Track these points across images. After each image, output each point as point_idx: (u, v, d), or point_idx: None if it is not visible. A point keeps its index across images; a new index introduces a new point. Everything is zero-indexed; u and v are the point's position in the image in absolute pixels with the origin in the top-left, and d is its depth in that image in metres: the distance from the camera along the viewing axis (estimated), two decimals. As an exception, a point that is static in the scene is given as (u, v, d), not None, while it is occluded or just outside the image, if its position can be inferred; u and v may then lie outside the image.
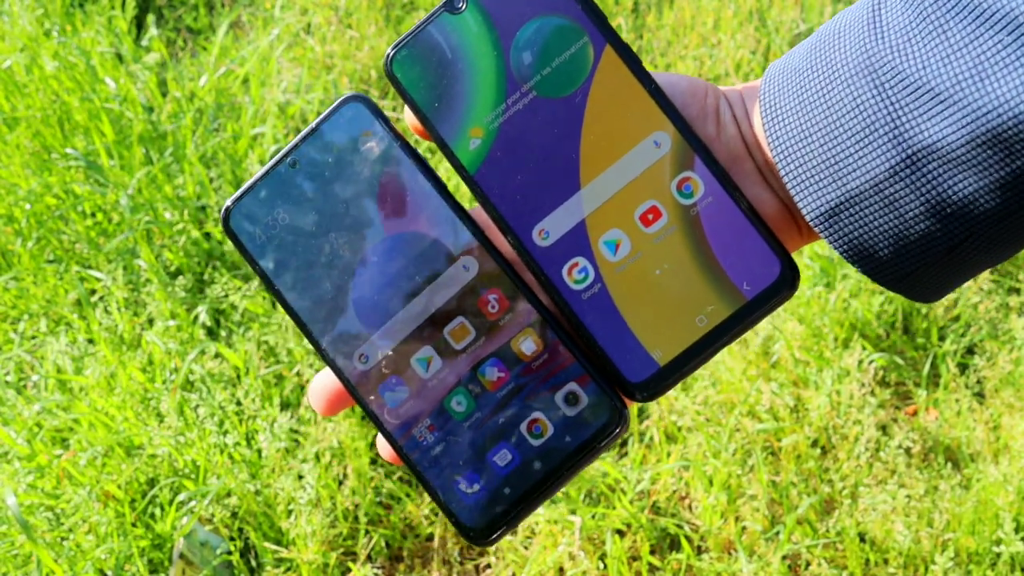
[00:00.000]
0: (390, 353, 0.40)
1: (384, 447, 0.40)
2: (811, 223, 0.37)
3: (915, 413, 1.29)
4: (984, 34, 0.32)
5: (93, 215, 1.53)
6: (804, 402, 1.27)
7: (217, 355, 1.35)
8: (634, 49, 1.74)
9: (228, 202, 0.42)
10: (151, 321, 1.41)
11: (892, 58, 0.34)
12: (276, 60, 1.70)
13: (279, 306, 0.41)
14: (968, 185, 0.33)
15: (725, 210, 0.38)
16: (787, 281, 0.38)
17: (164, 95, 1.68)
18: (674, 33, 1.71)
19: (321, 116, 0.42)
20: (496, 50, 0.39)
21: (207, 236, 1.50)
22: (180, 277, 1.44)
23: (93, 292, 1.45)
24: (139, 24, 1.84)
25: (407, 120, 0.41)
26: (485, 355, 0.40)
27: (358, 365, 0.40)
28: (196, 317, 1.39)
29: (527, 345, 0.40)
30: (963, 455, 1.23)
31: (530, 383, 0.40)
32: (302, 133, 0.42)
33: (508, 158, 0.39)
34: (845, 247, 0.37)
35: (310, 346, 0.41)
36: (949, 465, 1.22)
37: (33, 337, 1.43)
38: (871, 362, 1.29)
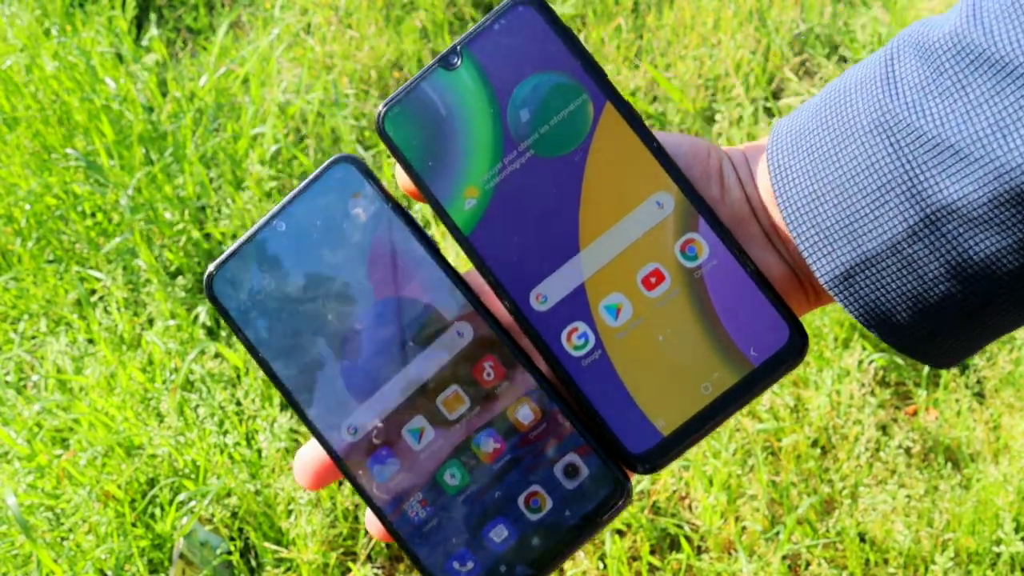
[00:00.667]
0: (380, 424, 0.38)
1: (373, 523, 0.39)
2: (826, 286, 0.36)
3: (915, 413, 1.29)
4: (1005, 88, 0.31)
5: (93, 215, 1.53)
6: (804, 402, 1.27)
7: (217, 355, 1.35)
8: (634, 50, 1.73)
9: (211, 267, 0.40)
10: (151, 321, 1.41)
11: (908, 115, 0.33)
12: (276, 60, 1.70)
13: (267, 379, 0.39)
14: (991, 245, 0.32)
15: (731, 273, 0.37)
16: (796, 347, 0.37)
17: (164, 95, 1.68)
18: (674, 33, 1.71)
19: (310, 177, 0.40)
20: (493, 107, 0.38)
21: (207, 236, 1.50)
22: (180, 277, 1.44)
23: (93, 292, 1.45)
24: (139, 24, 1.84)
25: (399, 180, 0.40)
26: (480, 425, 0.38)
27: (347, 437, 0.39)
28: (196, 317, 1.39)
29: (524, 414, 0.38)
30: (963, 455, 1.23)
31: (527, 455, 0.38)
32: (290, 194, 0.40)
33: (505, 219, 0.38)
34: (861, 311, 0.36)
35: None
36: (949, 465, 1.22)
37: (33, 337, 1.43)
38: (871, 362, 1.29)
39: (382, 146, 1.61)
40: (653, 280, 0.38)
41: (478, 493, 0.38)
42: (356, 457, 0.38)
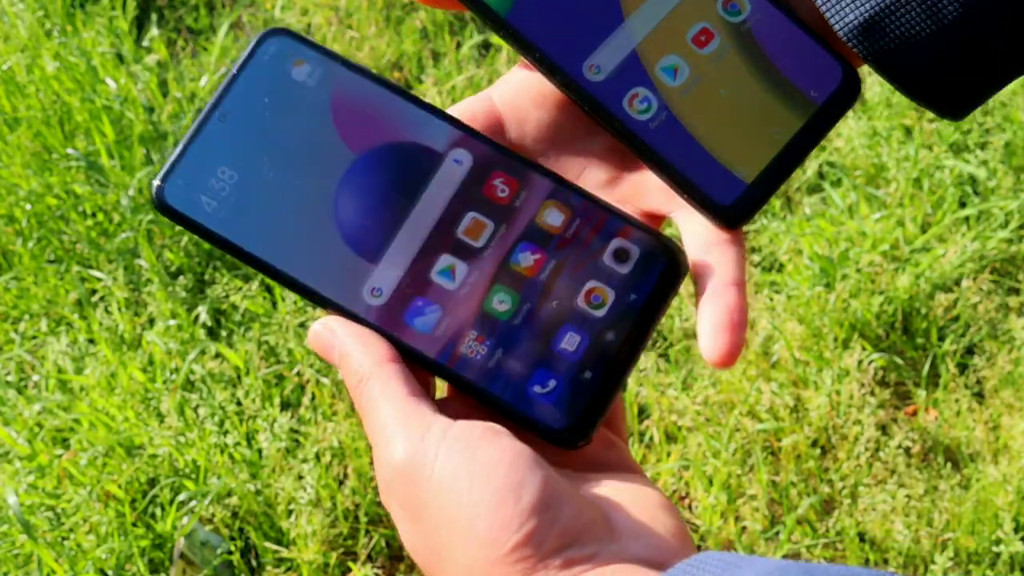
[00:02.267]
0: (405, 276, 0.35)
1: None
2: (844, 38, 0.36)
3: (915, 413, 1.29)
4: None
5: (94, 215, 1.53)
6: (804, 402, 1.27)
7: (217, 355, 1.35)
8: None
9: (156, 180, 0.36)
10: (152, 321, 1.41)
11: None
12: (276, 60, 1.70)
13: (259, 273, 0.35)
14: None
15: (776, 23, 0.38)
16: (852, 84, 0.37)
17: (165, 95, 1.68)
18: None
19: (240, 59, 0.37)
20: None
21: (207, 236, 1.50)
22: (181, 277, 1.44)
23: (94, 292, 1.46)
24: (140, 25, 1.84)
25: None
26: (512, 242, 0.36)
27: (372, 301, 0.35)
28: (197, 317, 1.39)
29: (553, 217, 0.36)
30: (963, 455, 1.24)
31: (571, 254, 0.36)
32: (223, 83, 0.37)
33: None
34: (877, 60, 0.36)
35: (318, 308, 0.35)
36: (949, 465, 1.22)
37: (34, 337, 1.43)
38: (871, 362, 1.29)
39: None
40: (703, 39, 0.38)
41: (534, 309, 0.35)
42: (391, 318, 0.35)
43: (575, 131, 0.39)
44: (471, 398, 0.36)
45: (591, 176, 0.39)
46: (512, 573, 0.30)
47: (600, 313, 0.35)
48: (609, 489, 0.34)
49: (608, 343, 0.35)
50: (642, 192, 0.39)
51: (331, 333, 0.36)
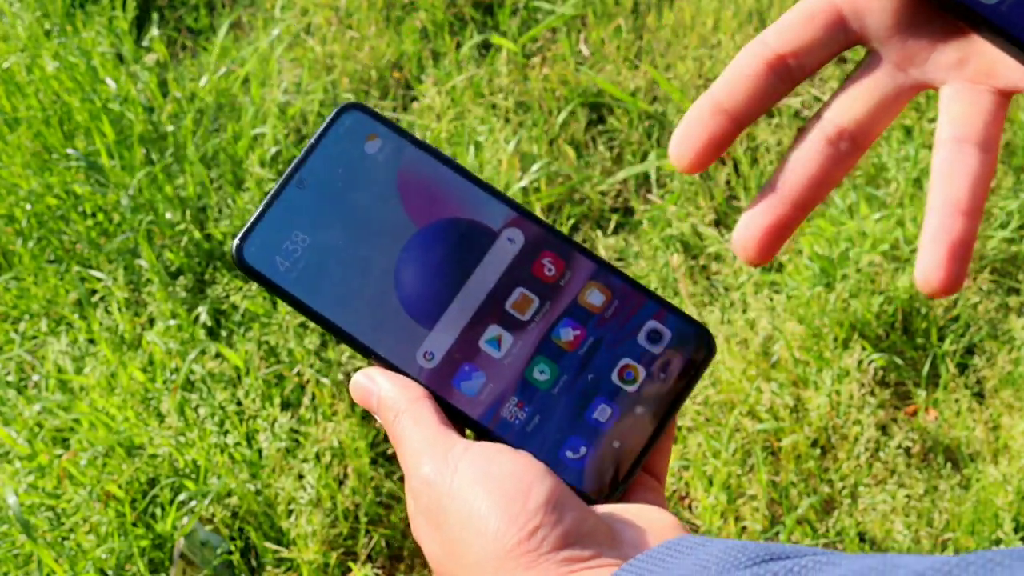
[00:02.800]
0: (456, 343, 0.39)
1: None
2: None
3: (915, 413, 1.29)
4: None
5: (94, 215, 1.53)
6: (804, 402, 1.27)
7: (218, 355, 1.35)
8: (634, 50, 1.73)
9: (236, 240, 0.40)
10: (152, 321, 1.41)
11: None
12: (276, 61, 1.70)
13: (327, 333, 0.38)
14: None
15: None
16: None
17: (165, 95, 1.68)
18: (674, 34, 1.71)
19: (319, 131, 0.41)
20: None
21: (208, 237, 1.50)
22: (181, 277, 1.44)
23: (94, 292, 1.46)
24: (140, 25, 1.84)
25: None
26: (556, 318, 0.39)
27: (425, 364, 0.39)
28: (197, 317, 1.39)
29: (595, 297, 0.39)
30: (963, 455, 1.24)
31: (609, 333, 0.39)
32: (303, 151, 0.40)
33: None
34: None
35: (365, 361, 0.40)
36: (949, 465, 1.22)
37: (34, 337, 1.43)
38: (871, 362, 1.29)
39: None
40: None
41: (571, 381, 0.39)
42: (440, 381, 0.39)
43: (916, 16, 0.38)
44: None
45: (940, 59, 0.37)
46: (516, 567, 0.33)
47: (631, 388, 0.39)
48: (622, 510, 0.37)
49: (637, 416, 0.39)
50: (992, 71, 0.37)
51: (371, 381, 0.39)
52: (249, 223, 0.40)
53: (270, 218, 0.40)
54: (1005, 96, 0.38)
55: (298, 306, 0.40)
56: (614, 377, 0.39)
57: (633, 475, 0.38)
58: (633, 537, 0.35)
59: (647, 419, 0.38)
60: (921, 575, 0.25)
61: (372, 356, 0.39)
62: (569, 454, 0.38)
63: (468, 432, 0.40)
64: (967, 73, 0.38)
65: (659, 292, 1.40)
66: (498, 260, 0.39)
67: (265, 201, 0.40)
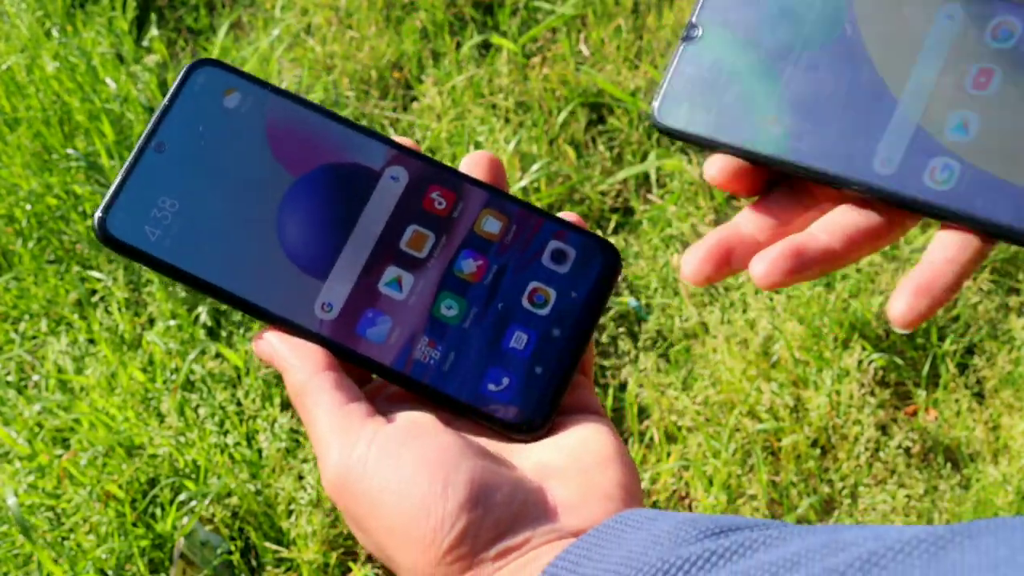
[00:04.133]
0: (354, 290, 0.37)
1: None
2: None
3: (915, 413, 1.29)
4: None
5: (94, 215, 1.53)
6: (804, 402, 1.27)
7: (218, 355, 1.35)
8: (634, 50, 1.73)
9: (98, 212, 0.38)
10: (152, 321, 1.41)
11: None
12: (276, 61, 1.70)
13: (217, 300, 0.36)
14: None
15: None
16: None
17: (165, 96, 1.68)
18: (674, 34, 1.71)
19: (170, 91, 0.39)
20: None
21: (207, 236, 1.50)
22: (181, 277, 1.44)
23: (94, 292, 1.46)
24: (140, 25, 1.84)
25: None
26: (454, 251, 0.38)
27: (325, 316, 0.37)
28: (197, 317, 1.39)
29: (491, 225, 0.38)
30: (963, 455, 1.24)
31: (512, 258, 0.38)
32: (155, 115, 0.38)
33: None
34: None
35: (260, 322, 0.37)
36: (949, 465, 1.22)
37: (34, 337, 1.43)
38: (871, 362, 1.29)
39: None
40: (983, 80, 0.36)
41: (481, 313, 0.37)
42: (344, 332, 0.37)
43: None
44: (427, 400, 0.37)
45: None
46: (451, 573, 0.31)
47: (544, 311, 0.38)
48: (551, 451, 0.35)
49: (555, 338, 0.37)
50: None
51: (270, 347, 0.37)
52: (108, 195, 0.38)
53: (131, 187, 0.38)
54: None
55: (178, 275, 0.37)
56: (524, 302, 0.38)
57: (561, 398, 0.37)
58: (565, 497, 0.33)
59: (565, 340, 0.37)
60: (867, 560, 0.25)
61: (266, 316, 0.37)
62: (492, 387, 0.36)
63: (377, 379, 0.38)
64: None
65: (659, 292, 1.40)
66: (385, 200, 0.38)
67: (123, 171, 0.38)
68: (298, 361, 0.36)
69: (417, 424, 0.34)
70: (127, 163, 0.38)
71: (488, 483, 0.32)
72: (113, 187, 0.38)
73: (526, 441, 0.36)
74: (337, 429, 0.34)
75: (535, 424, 0.36)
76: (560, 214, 0.40)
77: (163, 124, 0.38)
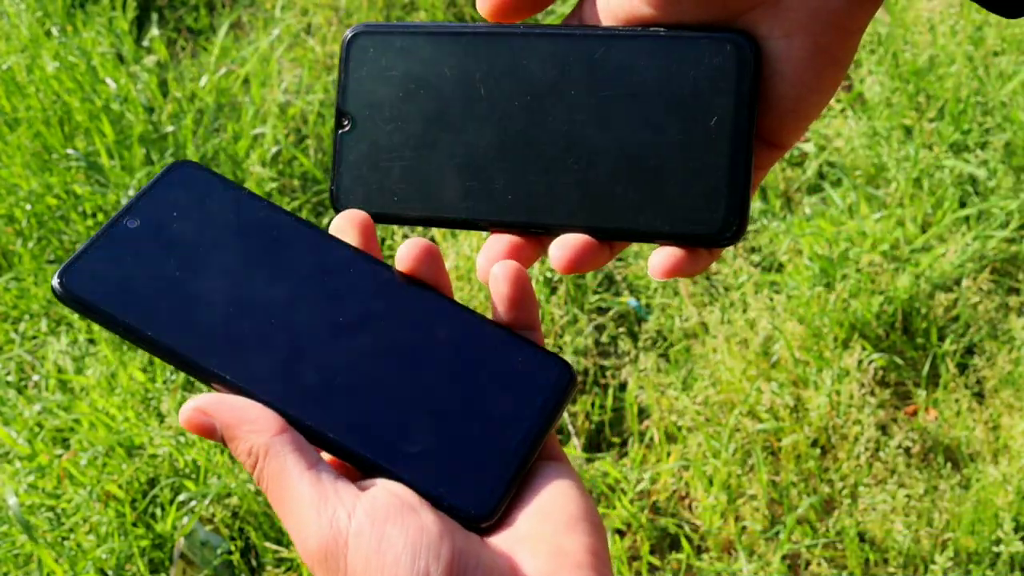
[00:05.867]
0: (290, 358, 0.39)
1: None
2: None
3: (915, 413, 1.29)
4: None
5: (94, 215, 1.53)
6: (804, 402, 1.27)
7: (218, 355, 1.35)
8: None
9: (60, 270, 0.39)
10: (152, 321, 1.41)
11: None
12: (276, 61, 1.70)
13: (160, 357, 0.38)
14: None
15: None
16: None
17: (165, 95, 1.68)
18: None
19: (150, 181, 0.42)
20: None
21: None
22: (181, 277, 1.44)
23: (94, 292, 1.46)
24: (140, 25, 1.84)
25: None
26: (400, 343, 0.39)
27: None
28: (197, 317, 1.39)
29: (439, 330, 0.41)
30: (963, 455, 1.24)
31: (464, 366, 0.40)
32: (133, 198, 0.41)
33: None
34: None
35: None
36: (949, 465, 1.22)
37: (34, 337, 1.43)
38: (871, 362, 1.29)
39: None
40: None
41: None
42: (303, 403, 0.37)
43: None
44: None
45: None
46: None
47: (497, 418, 0.37)
48: (519, 513, 0.35)
49: (508, 444, 0.37)
50: None
51: (205, 415, 0.36)
52: (75, 255, 0.40)
53: (98, 250, 0.40)
54: None
55: (126, 330, 0.38)
56: (478, 404, 0.38)
57: (508, 498, 0.36)
58: (540, 569, 0.33)
59: (518, 445, 0.37)
60: None
61: (215, 378, 0.37)
62: (444, 480, 0.36)
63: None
64: None
65: (659, 292, 1.40)
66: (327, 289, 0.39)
67: (92, 238, 0.41)
68: (249, 425, 0.35)
69: (396, 506, 0.34)
70: (99, 231, 0.41)
71: (464, 565, 0.32)
72: (78, 250, 0.40)
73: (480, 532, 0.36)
74: (311, 497, 0.34)
75: (482, 518, 0.35)
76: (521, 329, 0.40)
77: (139, 203, 0.41)
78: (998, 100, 1.56)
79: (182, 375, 1.30)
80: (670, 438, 1.27)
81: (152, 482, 1.25)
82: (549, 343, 1.35)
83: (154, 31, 1.76)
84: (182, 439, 1.26)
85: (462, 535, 0.34)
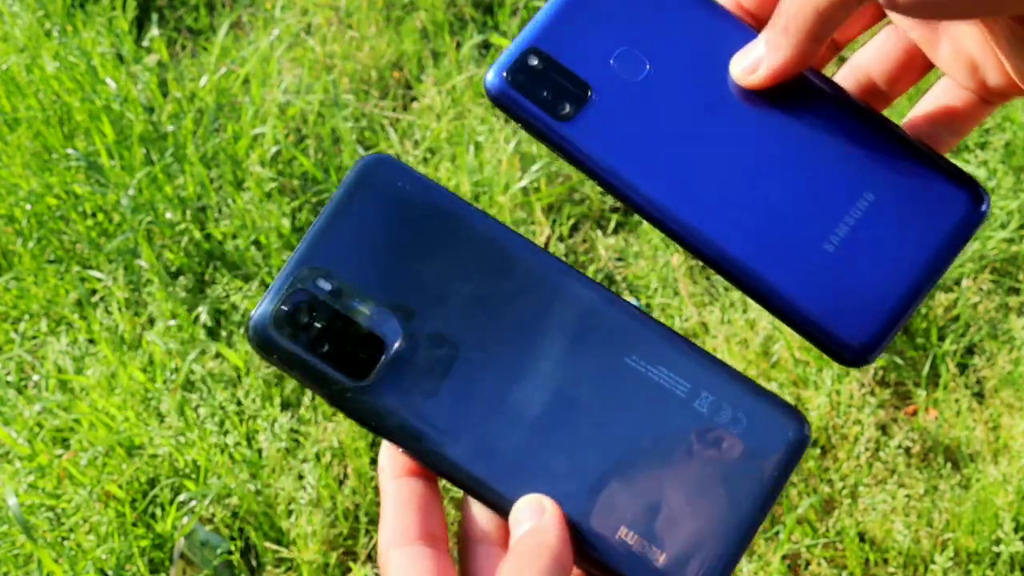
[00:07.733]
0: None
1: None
2: None
3: (915, 413, 1.29)
4: None
5: (94, 215, 1.53)
6: (804, 402, 1.27)
7: (218, 355, 1.35)
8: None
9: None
10: (152, 321, 1.41)
11: None
12: (276, 61, 1.70)
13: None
14: None
15: None
16: None
17: (165, 95, 1.68)
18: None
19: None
20: None
21: (208, 236, 1.50)
22: (181, 277, 1.44)
23: (94, 292, 1.46)
24: (140, 24, 1.84)
25: None
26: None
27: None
28: (197, 317, 1.39)
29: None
30: (963, 455, 1.24)
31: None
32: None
33: None
34: None
35: None
36: (949, 465, 1.22)
37: (34, 337, 1.43)
38: (871, 362, 1.29)
39: (384, 145, 1.61)
40: None
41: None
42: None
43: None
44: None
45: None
46: None
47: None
48: None
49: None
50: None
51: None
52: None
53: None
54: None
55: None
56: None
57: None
58: None
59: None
60: None
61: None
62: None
63: None
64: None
65: (659, 292, 1.40)
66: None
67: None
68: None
69: None
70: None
71: None
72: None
73: None
74: None
75: None
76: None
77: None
78: (998, 100, 1.56)
79: (182, 375, 1.30)
80: (670, 438, 1.27)
81: (152, 482, 1.25)
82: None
83: (154, 31, 1.76)
84: (182, 439, 1.26)
85: None
